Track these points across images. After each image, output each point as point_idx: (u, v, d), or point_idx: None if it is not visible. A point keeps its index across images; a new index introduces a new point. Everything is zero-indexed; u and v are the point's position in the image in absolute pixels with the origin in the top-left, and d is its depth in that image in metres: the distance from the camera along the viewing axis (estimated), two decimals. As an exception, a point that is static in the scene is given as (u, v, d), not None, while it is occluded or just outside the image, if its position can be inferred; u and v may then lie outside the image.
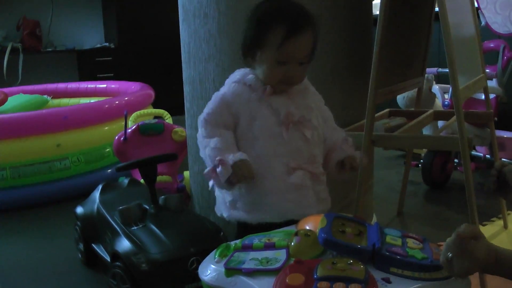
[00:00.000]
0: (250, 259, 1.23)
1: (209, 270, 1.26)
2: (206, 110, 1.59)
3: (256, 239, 1.33)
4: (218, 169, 1.45)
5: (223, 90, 1.62)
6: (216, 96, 1.61)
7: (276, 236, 1.35)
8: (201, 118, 1.59)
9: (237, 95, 1.58)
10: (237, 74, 1.64)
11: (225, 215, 1.62)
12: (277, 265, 1.18)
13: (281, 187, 1.55)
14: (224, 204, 1.62)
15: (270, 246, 1.27)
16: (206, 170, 1.51)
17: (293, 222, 1.48)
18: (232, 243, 1.34)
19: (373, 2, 2.57)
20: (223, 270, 1.22)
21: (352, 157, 1.62)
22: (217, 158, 1.46)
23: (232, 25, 2.18)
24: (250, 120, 1.56)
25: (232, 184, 1.47)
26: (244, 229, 1.58)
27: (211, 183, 1.54)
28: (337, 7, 2.22)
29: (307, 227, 1.35)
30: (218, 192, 1.65)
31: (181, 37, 2.47)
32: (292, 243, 1.25)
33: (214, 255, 1.30)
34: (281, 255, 1.23)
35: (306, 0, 2.08)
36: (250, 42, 1.58)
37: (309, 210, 1.56)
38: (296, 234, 1.27)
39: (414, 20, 2.41)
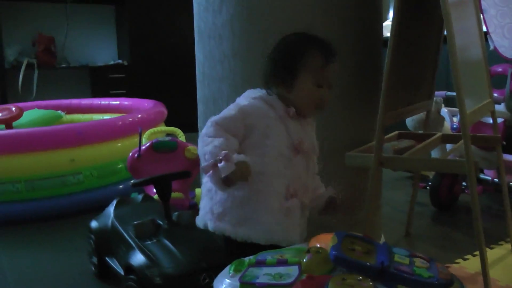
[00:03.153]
0: (263, 274, 1.28)
1: (224, 284, 1.31)
2: (221, 114, 1.62)
3: (269, 256, 1.38)
4: (221, 164, 1.44)
5: (241, 102, 1.67)
6: (234, 105, 1.66)
7: (288, 253, 1.40)
8: (212, 119, 1.60)
9: (257, 109, 1.63)
10: (255, 92, 1.71)
11: (209, 225, 1.65)
12: (290, 280, 1.23)
13: (275, 208, 1.60)
14: (212, 214, 1.65)
15: (282, 262, 1.32)
16: (205, 164, 1.50)
17: (276, 247, 1.52)
18: (246, 259, 1.39)
19: (383, 24, 2.63)
20: (238, 285, 1.27)
21: (333, 198, 1.75)
22: (224, 152, 1.46)
23: (246, 47, 2.24)
24: (263, 136, 1.61)
25: (227, 184, 1.48)
26: (230, 245, 1.64)
27: (205, 178, 1.57)
28: (346, 29, 2.28)
29: (318, 245, 1.40)
30: (206, 202, 1.68)
31: (196, 57, 2.54)
32: (304, 260, 1.30)
33: (228, 270, 1.35)
34: (293, 271, 1.28)
35: (317, 24, 2.17)
36: (284, 69, 1.66)
37: (293, 238, 1.63)
38: (308, 251, 1.32)
39: (423, 43, 2.46)
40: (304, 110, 1.67)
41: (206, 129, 1.59)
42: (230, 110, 1.63)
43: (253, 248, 1.52)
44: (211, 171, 1.48)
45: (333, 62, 1.67)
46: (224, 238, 1.66)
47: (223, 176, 1.45)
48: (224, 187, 1.50)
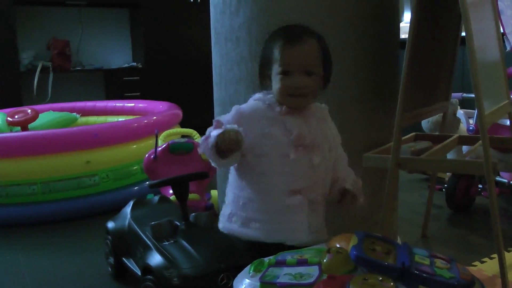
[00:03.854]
0: (284, 274, 1.29)
1: (244, 284, 1.31)
2: (223, 116, 1.65)
3: (289, 256, 1.38)
4: (210, 129, 1.51)
5: (243, 105, 1.68)
6: (234, 108, 1.66)
7: (307, 253, 1.40)
8: (215, 119, 1.63)
9: (254, 110, 1.64)
10: (259, 94, 1.71)
11: (220, 226, 1.72)
12: (311, 280, 1.23)
13: (278, 207, 1.60)
14: (223, 216, 1.71)
15: (303, 262, 1.33)
16: (200, 140, 1.56)
17: (283, 246, 1.53)
18: (266, 259, 1.39)
19: (400, 25, 2.62)
20: (258, 284, 1.27)
21: (351, 193, 1.66)
22: (214, 120, 1.54)
23: None
24: (261, 136, 1.61)
25: (221, 156, 1.50)
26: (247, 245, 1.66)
27: (200, 149, 1.58)
28: (364, 29, 2.27)
29: (338, 245, 1.40)
30: (222, 206, 1.73)
31: (212, 59, 2.55)
32: (325, 260, 1.30)
33: (249, 270, 1.36)
34: (314, 271, 1.28)
35: (334, 25, 2.18)
36: (261, 64, 1.69)
37: (299, 237, 1.61)
38: (329, 251, 1.32)
39: (440, 44, 2.46)
40: (281, 101, 1.63)
41: (209, 128, 1.62)
42: (231, 114, 1.65)
43: (263, 247, 1.55)
44: (204, 144, 1.53)
45: (297, 45, 1.60)
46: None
47: (212, 142, 1.48)
48: (218, 159, 1.52)
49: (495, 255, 2.53)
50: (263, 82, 1.70)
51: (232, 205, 1.67)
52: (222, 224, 1.70)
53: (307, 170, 1.62)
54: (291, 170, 1.60)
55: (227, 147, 1.48)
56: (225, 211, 1.71)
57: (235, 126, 1.51)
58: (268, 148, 1.60)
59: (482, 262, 2.55)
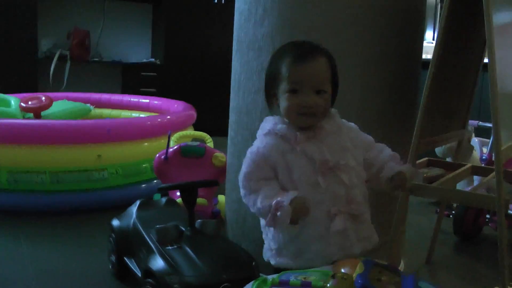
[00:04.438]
0: (286, 296, 1.27)
1: (246, 301, 1.30)
2: (244, 169, 1.61)
3: (293, 276, 1.36)
4: (278, 214, 1.46)
5: (256, 144, 1.63)
6: (251, 153, 1.62)
7: (312, 275, 1.38)
8: (241, 177, 1.60)
9: (271, 147, 1.59)
10: (267, 125, 1.65)
11: (272, 262, 1.64)
12: (314, 304, 1.22)
13: (324, 234, 1.56)
14: (270, 251, 1.65)
15: (306, 285, 1.31)
16: (266, 221, 1.52)
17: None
18: (269, 277, 1.38)
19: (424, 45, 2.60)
20: (260, 304, 1.26)
21: (400, 173, 1.62)
22: (273, 202, 1.47)
23: None
24: (287, 172, 1.57)
25: (295, 223, 1.49)
26: None
27: (265, 234, 1.59)
28: (388, 48, 2.26)
29: (344, 270, 1.38)
30: (264, 238, 1.67)
31: (232, 67, 2.54)
32: (328, 285, 1.28)
33: (251, 287, 1.34)
34: (317, 295, 1.26)
35: (357, 41, 2.16)
36: (268, 83, 1.65)
37: (352, 250, 1.58)
38: (333, 276, 1.30)
39: (463, 70, 2.43)
40: (289, 120, 1.60)
41: (242, 190, 1.61)
42: (250, 159, 1.61)
43: None
44: (276, 225, 1.51)
45: (307, 62, 1.57)
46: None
47: (286, 223, 1.47)
48: (295, 228, 1.52)
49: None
50: (270, 101, 1.67)
51: (278, 240, 1.61)
52: (274, 260, 1.63)
53: (340, 190, 1.58)
54: (324, 196, 1.56)
55: (301, 217, 1.49)
56: (271, 246, 1.65)
57: (292, 193, 1.50)
58: (296, 181, 1.57)
59: (485, 294, 2.53)
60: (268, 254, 1.66)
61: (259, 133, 1.67)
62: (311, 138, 1.59)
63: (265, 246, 1.68)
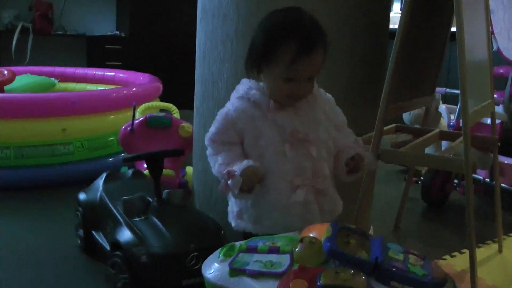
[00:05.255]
0: (254, 261, 1.25)
1: (213, 268, 1.28)
2: (212, 129, 1.59)
3: (261, 242, 1.35)
4: (229, 182, 1.45)
5: (228, 106, 1.60)
6: (220, 114, 1.59)
7: (280, 241, 1.37)
8: (207, 137, 1.59)
9: (241, 112, 1.56)
10: (241, 88, 1.61)
11: (232, 224, 1.64)
12: (281, 269, 1.20)
13: (285, 204, 1.54)
14: (232, 213, 1.64)
15: (274, 251, 1.29)
16: (219, 186, 1.50)
17: None
18: (237, 243, 1.36)
19: (391, 15, 2.59)
20: (227, 270, 1.24)
21: (360, 155, 1.59)
22: (225, 171, 1.47)
23: (251, 29, 2.14)
24: (255, 138, 1.55)
25: (247, 192, 1.47)
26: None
27: (228, 196, 1.57)
28: (353, 17, 2.24)
29: (311, 235, 1.37)
30: (228, 198, 1.66)
31: (197, 36, 2.49)
32: (297, 249, 1.27)
33: (218, 254, 1.33)
34: (285, 260, 1.25)
35: (323, 10, 2.13)
36: (257, 54, 1.54)
37: (313, 222, 1.57)
38: (301, 241, 1.29)
39: (430, 39, 2.43)
40: (275, 99, 1.55)
41: (207, 150, 1.60)
42: (218, 121, 1.59)
43: None
44: (226, 191, 1.49)
45: (311, 54, 1.49)
46: (244, 233, 1.62)
47: (236, 192, 1.46)
48: (245, 196, 1.50)
49: (465, 250, 2.56)
50: (250, 71, 1.59)
51: (240, 204, 1.60)
52: (234, 222, 1.63)
53: (307, 163, 1.56)
54: (289, 166, 1.54)
55: (252, 186, 1.47)
56: (233, 208, 1.64)
57: (246, 163, 1.48)
58: (262, 148, 1.54)
59: (452, 257, 2.56)
60: (230, 216, 1.66)
61: (232, 95, 1.63)
62: (284, 107, 1.56)
63: (229, 208, 1.67)
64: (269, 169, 1.53)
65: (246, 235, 1.57)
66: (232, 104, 1.59)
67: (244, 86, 1.61)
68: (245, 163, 1.48)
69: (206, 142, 1.59)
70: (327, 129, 1.62)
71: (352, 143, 1.66)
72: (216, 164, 1.54)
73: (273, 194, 1.54)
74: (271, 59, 1.51)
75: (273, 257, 1.27)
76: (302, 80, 1.51)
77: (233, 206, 1.64)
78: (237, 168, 1.46)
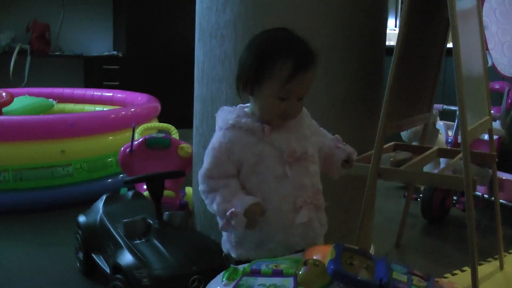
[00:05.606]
0: (258, 285, 1.25)
1: (217, 292, 1.28)
2: (205, 165, 1.54)
3: (264, 265, 1.35)
4: (233, 222, 1.44)
5: (218, 139, 1.54)
6: (213, 149, 1.54)
7: (283, 263, 1.36)
8: (201, 173, 1.54)
9: (237, 142, 1.52)
10: (228, 118, 1.55)
11: (233, 254, 1.60)
12: (286, 292, 1.20)
13: (288, 225, 1.53)
14: (230, 243, 1.60)
15: (278, 273, 1.29)
16: (220, 225, 1.49)
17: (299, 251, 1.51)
18: (240, 267, 1.35)
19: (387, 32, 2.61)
20: (231, 294, 1.24)
21: (351, 155, 1.65)
22: (228, 213, 1.44)
23: None
24: (254, 165, 1.52)
25: (251, 228, 1.47)
26: None
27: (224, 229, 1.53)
28: (350, 34, 2.26)
29: (315, 257, 1.37)
30: (223, 232, 1.62)
31: (195, 55, 2.51)
32: (300, 272, 1.26)
33: (222, 277, 1.32)
34: (289, 282, 1.24)
35: (320, 27, 2.15)
36: (249, 74, 1.51)
37: (315, 240, 1.57)
38: (305, 263, 1.29)
39: (427, 55, 2.45)
40: (265, 120, 1.53)
41: (201, 186, 1.55)
42: (211, 156, 1.54)
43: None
44: (230, 230, 1.50)
45: (304, 72, 1.47)
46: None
47: (241, 231, 1.47)
48: (249, 230, 1.49)
49: (466, 268, 2.56)
50: (242, 92, 1.55)
51: (238, 232, 1.55)
52: (235, 252, 1.58)
53: (306, 180, 1.55)
54: (291, 187, 1.53)
55: (257, 221, 1.46)
56: (230, 238, 1.59)
57: (248, 200, 1.46)
58: (263, 173, 1.52)
59: (454, 275, 2.55)
60: (227, 245, 1.61)
61: (219, 127, 1.58)
62: (277, 129, 1.54)
63: (223, 238, 1.63)
64: (270, 193, 1.52)
65: (238, 262, 1.55)
66: (224, 135, 1.54)
67: (231, 115, 1.56)
68: (247, 200, 1.46)
69: (200, 180, 1.54)
70: (312, 144, 1.61)
71: (336, 143, 1.67)
72: (215, 203, 1.50)
73: (275, 216, 1.52)
74: (265, 77, 1.48)
75: (277, 280, 1.27)
76: (294, 99, 1.50)
77: (230, 236, 1.59)
78: (239, 205, 1.45)
